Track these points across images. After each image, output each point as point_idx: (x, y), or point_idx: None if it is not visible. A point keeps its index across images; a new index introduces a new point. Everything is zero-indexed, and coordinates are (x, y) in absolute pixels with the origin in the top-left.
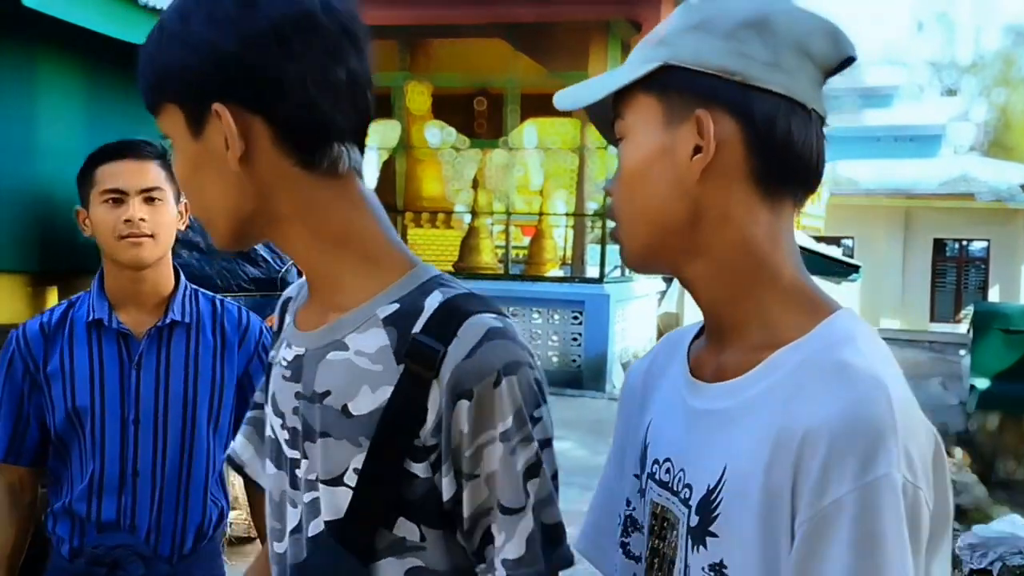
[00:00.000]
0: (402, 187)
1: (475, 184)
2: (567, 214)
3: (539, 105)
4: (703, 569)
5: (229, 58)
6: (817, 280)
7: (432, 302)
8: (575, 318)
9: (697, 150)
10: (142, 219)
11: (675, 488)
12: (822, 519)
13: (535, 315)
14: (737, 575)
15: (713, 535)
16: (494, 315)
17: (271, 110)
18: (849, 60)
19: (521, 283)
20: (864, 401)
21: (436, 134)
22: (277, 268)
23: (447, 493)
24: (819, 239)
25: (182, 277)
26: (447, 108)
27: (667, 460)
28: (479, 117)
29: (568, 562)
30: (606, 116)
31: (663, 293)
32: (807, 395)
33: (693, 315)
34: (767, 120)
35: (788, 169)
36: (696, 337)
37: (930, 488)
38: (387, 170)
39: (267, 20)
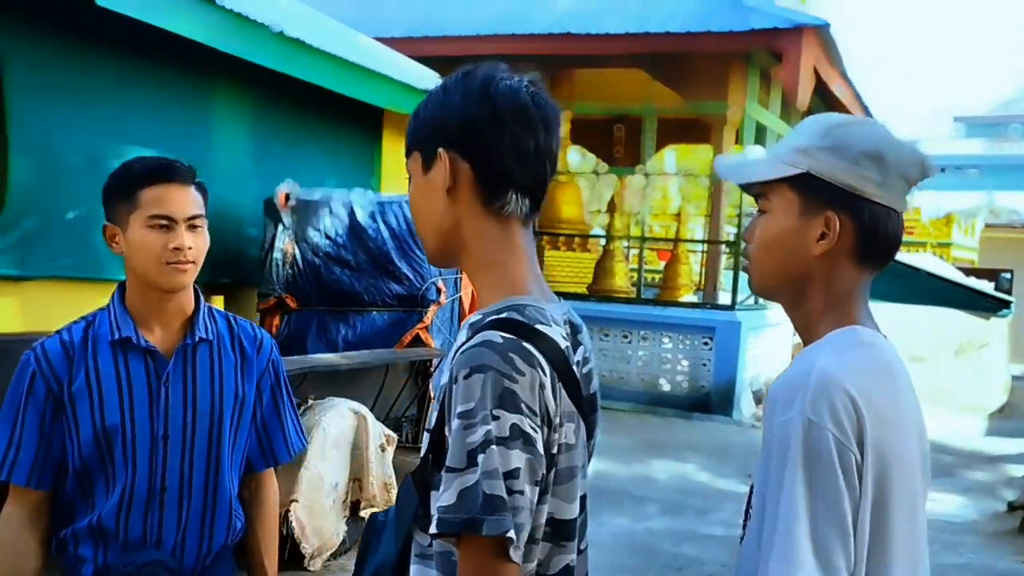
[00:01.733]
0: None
1: (611, 208)
2: (702, 240)
3: (675, 132)
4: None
5: (464, 120)
6: (962, 315)
7: (489, 319)
8: (705, 344)
9: (822, 236)
10: (189, 247)
11: None
12: (767, 444)
13: (665, 340)
14: (756, 490)
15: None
16: (506, 335)
17: (477, 159)
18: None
19: (653, 307)
20: (794, 374)
21: (577, 158)
22: (418, 286)
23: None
24: (970, 272)
25: (201, 296)
26: (586, 134)
27: None
28: (617, 143)
29: (497, 530)
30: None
31: None
32: (786, 371)
33: None
34: (873, 221)
35: (880, 251)
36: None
37: (852, 441)
38: None
39: (493, 104)
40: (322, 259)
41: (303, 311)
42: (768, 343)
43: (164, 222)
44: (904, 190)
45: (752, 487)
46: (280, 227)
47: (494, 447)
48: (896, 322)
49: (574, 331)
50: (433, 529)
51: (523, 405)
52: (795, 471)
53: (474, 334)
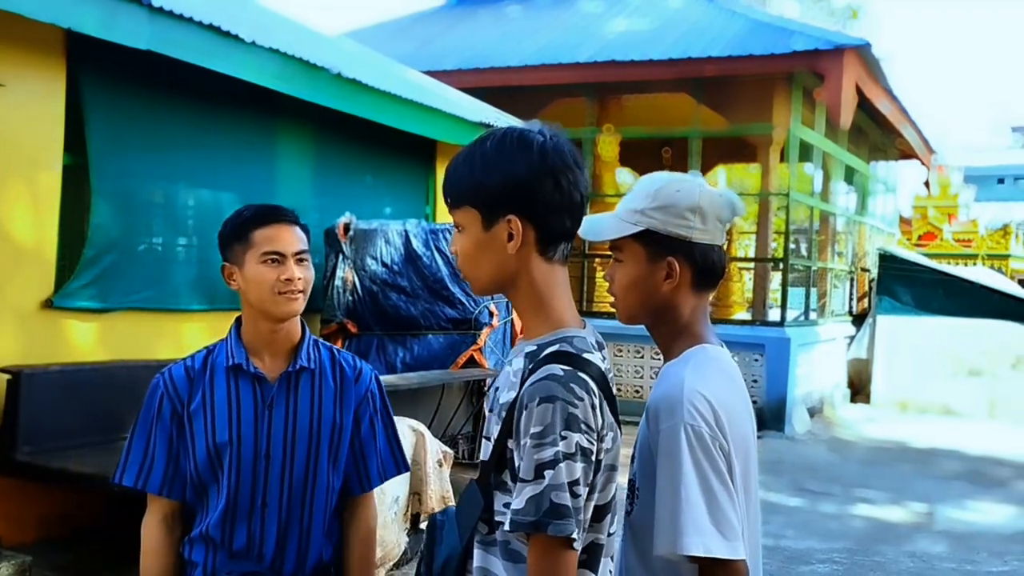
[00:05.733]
0: None
1: None
2: (751, 259)
3: (722, 153)
4: (630, 479)
5: (534, 192)
6: (1020, 328)
7: (547, 351)
8: (756, 360)
9: (668, 276)
10: (299, 278)
11: None
12: (657, 443)
13: None
14: (640, 475)
15: (633, 459)
16: (564, 367)
17: (543, 223)
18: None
19: None
20: (670, 388)
21: (628, 177)
22: (471, 310)
23: (514, 464)
24: None
25: (307, 328)
26: (635, 156)
27: None
28: (665, 166)
29: (561, 532)
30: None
31: (852, 338)
32: (659, 386)
33: (883, 361)
34: (703, 258)
35: (711, 279)
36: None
37: (718, 432)
38: None
39: (553, 173)
40: (380, 286)
41: (363, 335)
42: (821, 359)
43: (276, 257)
44: (721, 228)
45: (635, 474)
46: (340, 256)
47: (562, 464)
48: (953, 336)
49: (599, 348)
50: (507, 526)
51: (582, 424)
52: (686, 463)
53: (535, 366)
